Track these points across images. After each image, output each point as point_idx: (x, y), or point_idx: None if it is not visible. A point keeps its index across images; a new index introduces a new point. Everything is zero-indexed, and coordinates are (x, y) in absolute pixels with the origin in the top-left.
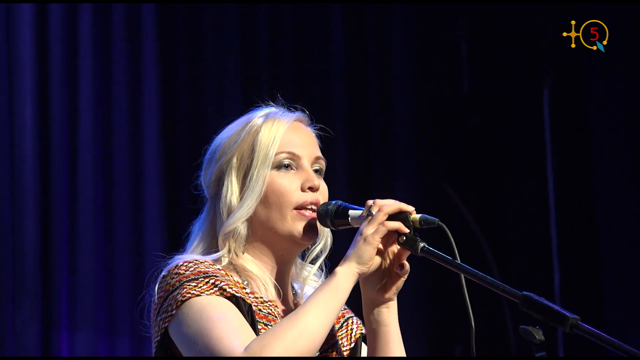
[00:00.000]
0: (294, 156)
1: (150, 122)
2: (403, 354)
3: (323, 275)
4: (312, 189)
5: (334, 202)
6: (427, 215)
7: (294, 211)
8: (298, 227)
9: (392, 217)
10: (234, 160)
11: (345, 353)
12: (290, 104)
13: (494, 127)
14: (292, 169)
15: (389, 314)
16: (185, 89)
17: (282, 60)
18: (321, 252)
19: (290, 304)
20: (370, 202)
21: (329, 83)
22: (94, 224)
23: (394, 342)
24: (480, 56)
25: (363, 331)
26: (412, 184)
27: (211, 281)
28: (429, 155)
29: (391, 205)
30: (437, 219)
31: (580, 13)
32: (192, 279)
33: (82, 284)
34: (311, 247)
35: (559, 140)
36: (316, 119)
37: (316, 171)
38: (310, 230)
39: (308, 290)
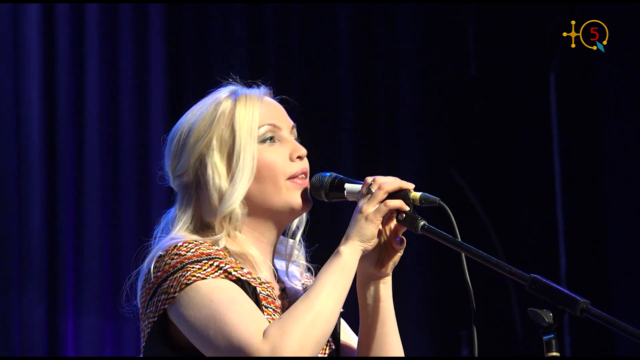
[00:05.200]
0: (275, 128)
1: (157, 104)
2: (396, 330)
3: (303, 250)
4: (301, 157)
5: (328, 173)
6: (427, 194)
7: (288, 181)
8: (295, 197)
9: (392, 194)
10: (214, 142)
11: None
12: (246, 80)
13: (500, 111)
14: (274, 141)
15: (385, 289)
16: (192, 80)
17: (288, 42)
18: (297, 228)
19: (277, 283)
20: (369, 179)
21: (336, 68)
22: (100, 206)
23: (389, 318)
24: (486, 40)
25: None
26: (419, 168)
27: (215, 263)
28: (436, 140)
29: (391, 182)
30: (438, 198)
31: (581, 13)
32: (195, 261)
33: (88, 267)
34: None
35: (565, 124)
36: (323, 105)
37: (295, 140)
38: (307, 199)
39: (292, 267)
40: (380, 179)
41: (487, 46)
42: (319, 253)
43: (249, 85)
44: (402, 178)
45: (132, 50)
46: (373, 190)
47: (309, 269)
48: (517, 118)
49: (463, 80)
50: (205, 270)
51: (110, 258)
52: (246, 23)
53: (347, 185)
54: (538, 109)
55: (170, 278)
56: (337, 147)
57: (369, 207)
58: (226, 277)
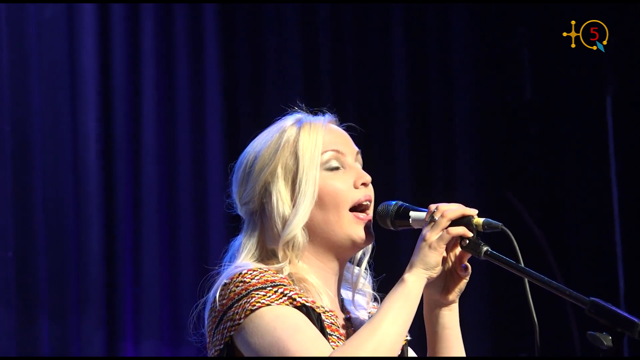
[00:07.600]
0: (339, 154)
1: (214, 131)
2: (464, 356)
3: (369, 278)
4: (365, 184)
5: (394, 202)
6: (490, 220)
7: (351, 214)
8: (357, 230)
9: (455, 221)
10: (279, 169)
11: None
12: (313, 108)
13: (556, 134)
14: (339, 168)
15: (452, 316)
16: (248, 93)
17: (343, 66)
18: (363, 254)
19: (342, 312)
20: (432, 207)
21: (391, 91)
22: (158, 234)
23: (456, 345)
24: (542, 63)
25: (409, 338)
26: (475, 191)
27: (280, 290)
28: (492, 163)
29: (454, 210)
30: (501, 224)
31: (580, 13)
32: (260, 288)
33: (146, 293)
34: None
35: (622, 146)
36: (377, 127)
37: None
38: (369, 233)
39: (358, 297)
40: (443, 206)
41: (543, 70)
42: (387, 283)
43: (315, 113)
44: (457, 202)
45: (187, 59)
46: (436, 218)
47: (375, 298)
48: (573, 141)
49: (519, 104)
50: (270, 296)
51: (168, 285)
52: (299, 25)
53: (412, 213)
54: (595, 132)
55: (235, 305)
56: (393, 171)
57: (432, 235)
58: (291, 303)
